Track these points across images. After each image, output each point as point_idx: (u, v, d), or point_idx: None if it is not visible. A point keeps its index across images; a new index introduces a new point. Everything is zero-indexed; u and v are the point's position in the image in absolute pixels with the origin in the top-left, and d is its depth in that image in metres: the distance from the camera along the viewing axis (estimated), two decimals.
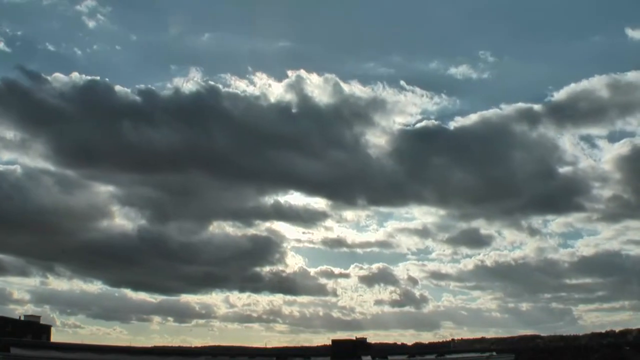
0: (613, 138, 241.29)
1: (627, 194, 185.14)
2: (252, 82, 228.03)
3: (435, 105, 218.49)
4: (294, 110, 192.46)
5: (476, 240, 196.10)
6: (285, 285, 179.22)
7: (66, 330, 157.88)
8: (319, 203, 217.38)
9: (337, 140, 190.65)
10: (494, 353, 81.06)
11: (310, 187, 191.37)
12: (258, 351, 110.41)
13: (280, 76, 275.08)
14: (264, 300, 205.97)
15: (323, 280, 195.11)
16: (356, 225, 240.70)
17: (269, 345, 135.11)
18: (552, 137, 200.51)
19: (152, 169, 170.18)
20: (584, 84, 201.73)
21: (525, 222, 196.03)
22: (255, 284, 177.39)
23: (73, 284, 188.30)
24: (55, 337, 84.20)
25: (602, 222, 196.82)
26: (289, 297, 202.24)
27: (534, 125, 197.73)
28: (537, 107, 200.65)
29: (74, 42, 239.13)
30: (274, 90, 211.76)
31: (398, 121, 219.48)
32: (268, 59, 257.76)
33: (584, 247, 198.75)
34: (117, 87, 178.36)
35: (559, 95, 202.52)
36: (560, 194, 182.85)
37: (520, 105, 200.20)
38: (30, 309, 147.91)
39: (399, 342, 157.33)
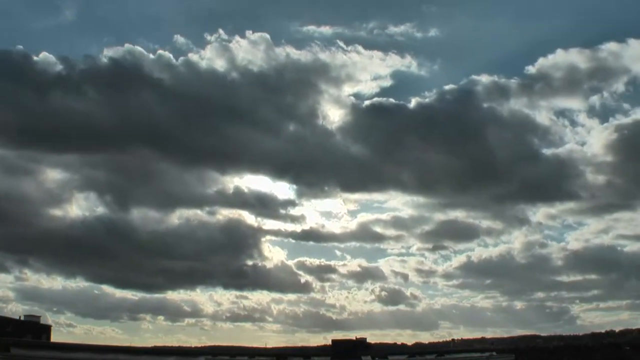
0: (600, 115, 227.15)
1: (618, 179, 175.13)
2: (175, 48, 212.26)
3: (388, 68, 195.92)
4: (230, 78, 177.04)
5: (459, 233, 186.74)
6: (269, 281, 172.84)
7: (60, 329, 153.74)
8: (283, 188, 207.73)
9: (289, 114, 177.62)
10: (494, 353, 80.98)
11: (271, 170, 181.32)
12: (258, 351, 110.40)
13: (198, 40, 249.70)
14: (250, 298, 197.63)
15: (306, 277, 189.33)
16: (328, 215, 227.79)
17: (266, 346, 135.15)
18: (529, 113, 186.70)
19: (98, 148, 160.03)
20: (552, 54, 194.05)
21: (510, 213, 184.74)
22: (237, 281, 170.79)
23: (52, 281, 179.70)
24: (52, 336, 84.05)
25: (593, 212, 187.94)
26: (275, 295, 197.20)
27: (505, 97, 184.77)
28: (504, 74, 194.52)
29: None
30: (200, 55, 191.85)
31: (348, 90, 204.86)
32: (181, 21, 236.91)
33: (575, 241, 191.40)
34: (35, 57, 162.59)
35: (533, 64, 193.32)
36: (547, 181, 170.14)
37: (486, 74, 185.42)
38: (18, 307, 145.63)
39: (397, 342, 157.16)
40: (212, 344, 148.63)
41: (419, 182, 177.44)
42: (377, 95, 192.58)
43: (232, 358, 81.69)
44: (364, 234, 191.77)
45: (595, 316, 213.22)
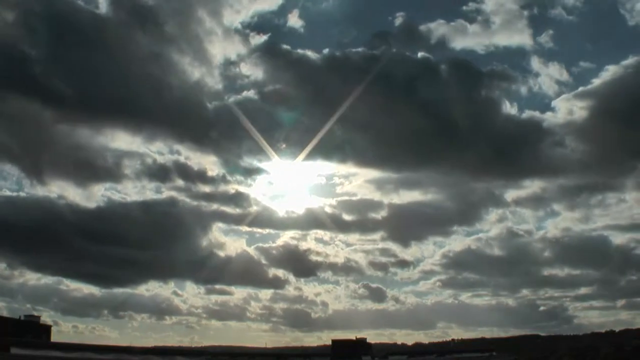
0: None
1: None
2: None
3: None
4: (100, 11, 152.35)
5: (429, 220, 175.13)
6: (238, 275, 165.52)
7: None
8: (207, 163, 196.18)
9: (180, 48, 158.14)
10: (494, 353, 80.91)
11: (187, 136, 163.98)
12: (258, 351, 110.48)
13: None
14: (225, 294, 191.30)
15: (272, 270, 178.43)
16: (274, 196, 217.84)
17: (266, 346, 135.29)
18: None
19: None
20: None
21: (475, 193, 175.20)
22: (204, 274, 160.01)
23: (18, 275, 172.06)
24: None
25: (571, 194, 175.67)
26: (251, 290, 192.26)
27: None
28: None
29: None
30: None
31: (230, 19, 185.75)
32: None
33: (554, 229, 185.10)
34: None
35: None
36: (507, 150, 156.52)
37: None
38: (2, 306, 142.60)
39: (395, 342, 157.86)
40: (209, 343, 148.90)
41: (364, 151, 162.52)
42: (275, 27, 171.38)
43: (233, 358, 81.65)
44: (319, 219, 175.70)
45: (593, 315, 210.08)
